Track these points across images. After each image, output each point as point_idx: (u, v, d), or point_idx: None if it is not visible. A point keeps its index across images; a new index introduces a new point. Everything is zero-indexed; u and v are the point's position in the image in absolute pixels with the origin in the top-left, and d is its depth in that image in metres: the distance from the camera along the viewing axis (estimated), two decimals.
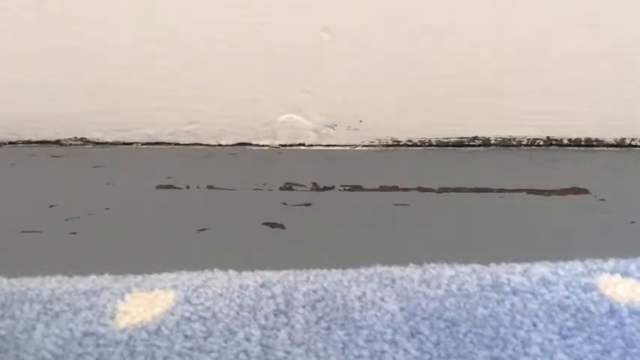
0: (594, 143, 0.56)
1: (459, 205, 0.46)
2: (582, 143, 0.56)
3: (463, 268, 0.36)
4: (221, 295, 0.34)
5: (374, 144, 0.56)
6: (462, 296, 0.34)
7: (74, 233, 0.42)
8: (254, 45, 0.50)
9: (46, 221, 0.44)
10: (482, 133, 0.55)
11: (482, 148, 0.56)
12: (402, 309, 0.33)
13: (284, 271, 0.36)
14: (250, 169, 0.52)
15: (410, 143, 0.56)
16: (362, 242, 0.41)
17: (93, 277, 0.36)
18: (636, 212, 0.45)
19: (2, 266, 0.37)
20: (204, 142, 0.56)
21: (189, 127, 0.55)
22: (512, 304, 0.34)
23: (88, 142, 0.56)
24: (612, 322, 0.32)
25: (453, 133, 0.55)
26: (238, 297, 0.34)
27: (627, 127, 0.55)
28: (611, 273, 0.36)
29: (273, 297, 0.34)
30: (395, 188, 0.48)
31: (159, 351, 0.31)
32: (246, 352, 0.31)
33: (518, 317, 0.33)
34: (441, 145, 0.56)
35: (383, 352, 0.31)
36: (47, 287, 0.35)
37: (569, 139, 0.56)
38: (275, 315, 0.33)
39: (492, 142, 0.56)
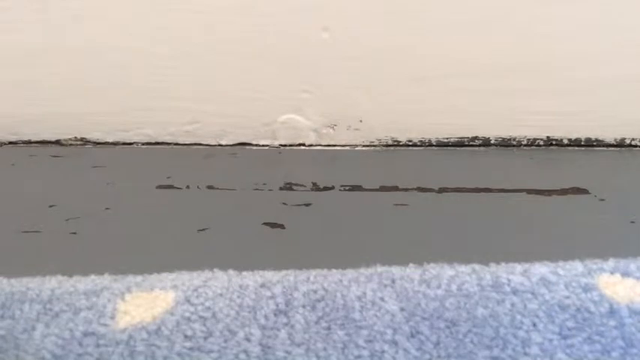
0: (594, 143, 0.56)
1: (459, 205, 0.46)
2: (582, 143, 0.56)
3: (463, 268, 0.36)
4: (221, 295, 0.34)
5: (374, 144, 0.56)
6: (462, 296, 0.34)
7: (74, 233, 0.42)
8: (254, 45, 0.50)
9: (46, 221, 0.44)
10: (482, 133, 0.55)
11: (482, 148, 0.56)
12: (402, 309, 0.33)
13: (284, 271, 0.36)
14: (250, 169, 0.52)
15: (410, 143, 0.56)
16: (362, 242, 0.41)
17: (93, 277, 0.36)
18: (636, 212, 0.45)
19: (2, 266, 0.37)
20: (204, 142, 0.56)
21: (189, 127, 0.55)
22: (512, 304, 0.34)
23: (88, 142, 0.56)
24: (612, 322, 0.32)
25: (453, 133, 0.55)
26: (238, 297, 0.34)
27: (627, 127, 0.55)
28: (611, 273, 0.36)
29: (273, 297, 0.34)
30: (395, 188, 0.48)
31: (159, 351, 0.31)
32: (246, 352, 0.31)
33: (518, 317, 0.33)
34: (441, 145, 0.56)
35: (383, 352, 0.31)
36: (47, 287, 0.35)
37: (569, 139, 0.56)
38: (275, 315, 0.33)
39: (492, 142, 0.56)
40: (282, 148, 0.56)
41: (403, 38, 0.50)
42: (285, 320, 0.33)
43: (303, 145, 0.56)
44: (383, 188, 0.48)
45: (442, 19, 0.49)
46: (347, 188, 0.49)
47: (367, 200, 0.47)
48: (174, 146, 0.56)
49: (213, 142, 0.56)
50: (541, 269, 0.36)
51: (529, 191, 0.48)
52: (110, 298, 0.34)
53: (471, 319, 0.33)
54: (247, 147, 0.56)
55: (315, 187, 0.49)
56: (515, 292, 0.35)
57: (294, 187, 0.49)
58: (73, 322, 0.33)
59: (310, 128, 0.55)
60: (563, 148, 0.56)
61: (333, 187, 0.49)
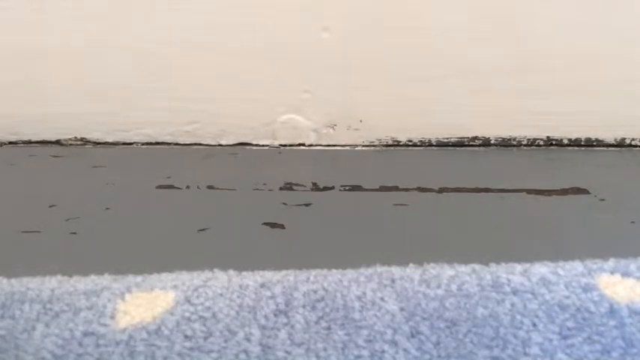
0: (594, 143, 0.56)
1: (459, 205, 0.46)
2: (582, 143, 0.56)
3: (463, 268, 0.36)
4: (221, 295, 0.34)
5: (374, 144, 0.56)
6: (462, 296, 0.34)
7: (74, 233, 0.42)
8: (254, 45, 0.50)
9: (46, 221, 0.44)
10: (482, 133, 0.55)
11: (482, 148, 0.56)
12: (402, 309, 0.33)
13: (284, 271, 0.36)
14: (250, 169, 0.52)
15: (410, 143, 0.56)
16: (362, 242, 0.41)
17: (93, 277, 0.36)
18: (636, 212, 0.45)
19: (2, 266, 0.37)
20: (204, 142, 0.56)
21: (189, 127, 0.55)
22: (512, 304, 0.34)
23: (88, 142, 0.56)
24: (612, 322, 0.32)
25: (453, 133, 0.55)
26: (238, 297, 0.34)
27: (627, 127, 0.55)
28: (611, 273, 0.36)
29: (273, 297, 0.34)
30: (395, 188, 0.48)
31: (159, 351, 0.31)
32: (246, 352, 0.31)
33: (518, 317, 0.33)
34: (441, 145, 0.56)
35: (383, 352, 0.31)
36: (47, 287, 0.35)
37: (569, 139, 0.56)
38: (275, 315, 0.33)
39: (492, 142, 0.56)
40: (282, 148, 0.56)
41: (403, 38, 0.50)
42: (285, 320, 0.33)
43: (303, 145, 0.56)
44: (383, 188, 0.48)
45: (442, 20, 0.49)
46: (347, 188, 0.49)
47: (367, 200, 0.47)
48: (174, 146, 0.56)
49: (213, 142, 0.56)
50: (541, 269, 0.36)
51: (529, 191, 0.48)
52: (110, 298, 0.34)
53: (470, 319, 0.33)
54: (247, 147, 0.56)
55: (315, 187, 0.49)
56: (515, 292, 0.35)
57: (294, 187, 0.49)
58: (73, 322, 0.33)
59: (310, 128, 0.55)
60: (563, 148, 0.56)
61: (333, 187, 0.49)
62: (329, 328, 0.32)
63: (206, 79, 0.52)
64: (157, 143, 0.56)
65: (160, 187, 0.49)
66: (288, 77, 0.52)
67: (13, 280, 0.35)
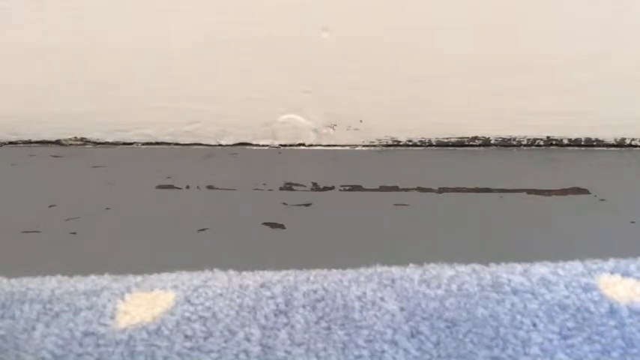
0: (594, 143, 0.56)
1: (459, 205, 0.46)
2: (582, 143, 0.56)
3: (463, 268, 0.36)
4: (221, 295, 0.34)
5: (374, 144, 0.56)
6: (462, 296, 0.34)
7: (74, 233, 0.42)
8: (254, 45, 0.50)
9: (46, 221, 0.44)
10: (482, 133, 0.55)
11: (482, 148, 0.56)
12: (402, 309, 0.33)
13: (284, 271, 0.36)
14: (250, 169, 0.52)
15: (410, 143, 0.56)
16: (362, 242, 0.41)
17: (93, 277, 0.36)
18: (636, 212, 0.45)
19: (2, 266, 0.37)
20: (204, 142, 0.56)
21: (189, 127, 0.55)
22: (512, 304, 0.34)
23: (88, 142, 0.56)
24: (612, 322, 0.32)
25: (453, 133, 0.55)
26: (238, 297, 0.34)
27: (627, 127, 0.55)
28: (611, 273, 0.36)
29: (273, 297, 0.34)
30: (395, 188, 0.48)
31: (159, 351, 0.31)
32: (246, 352, 0.31)
33: (518, 317, 0.33)
34: (441, 145, 0.56)
35: (383, 352, 0.31)
36: (47, 287, 0.35)
37: (569, 139, 0.56)
38: (275, 315, 0.33)
39: (492, 142, 0.56)
40: (282, 148, 0.56)
41: (403, 38, 0.50)
42: (285, 320, 0.33)
43: (303, 145, 0.56)
44: (383, 188, 0.48)
45: (442, 19, 0.49)
46: (347, 188, 0.49)
47: (367, 200, 0.47)
48: (174, 146, 0.56)
49: (213, 142, 0.56)
50: (541, 269, 0.36)
51: (529, 191, 0.48)
52: (110, 298, 0.34)
53: (471, 319, 0.33)
54: (247, 147, 0.56)
55: (315, 187, 0.49)
56: (515, 292, 0.35)
57: (294, 187, 0.49)
58: (73, 322, 0.33)
59: (310, 128, 0.55)
60: (563, 148, 0.56)
61: (333, 187, 0.49)
62: (329, 328, 0.32)
63: (206, 79, 0.52)
64: (157, 143, 0.56)
65: (160, 187, 0.49)
66: (288, 77, 0.52)
67: (13, 280, 0.35)
